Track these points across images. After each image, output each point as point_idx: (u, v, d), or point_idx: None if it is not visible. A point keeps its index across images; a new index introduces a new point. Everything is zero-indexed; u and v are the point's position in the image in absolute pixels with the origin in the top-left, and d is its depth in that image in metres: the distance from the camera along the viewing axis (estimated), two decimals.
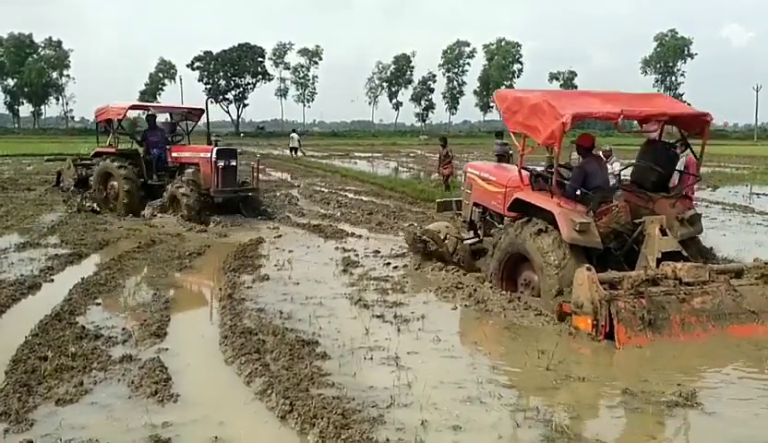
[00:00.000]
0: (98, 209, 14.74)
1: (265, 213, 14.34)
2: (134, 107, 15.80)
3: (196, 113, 15.58)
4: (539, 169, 8.22)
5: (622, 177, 9.03)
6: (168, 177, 14.13)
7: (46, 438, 4.11)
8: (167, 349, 5.83)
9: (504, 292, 7.56)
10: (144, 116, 15.34)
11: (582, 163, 7.84)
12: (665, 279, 6.53)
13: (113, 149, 14.80)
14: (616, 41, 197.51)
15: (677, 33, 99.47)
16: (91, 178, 14.98)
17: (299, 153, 38.58)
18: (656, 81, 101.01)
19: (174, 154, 14.48)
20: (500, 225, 8.35)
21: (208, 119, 15.00)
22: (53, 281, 8.33)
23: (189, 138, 15.54)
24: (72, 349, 5.65)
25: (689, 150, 8.70)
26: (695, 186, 11.23)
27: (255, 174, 14.60)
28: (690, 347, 6.06)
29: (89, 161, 15.57)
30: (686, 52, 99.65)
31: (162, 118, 16.01)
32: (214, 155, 13.59)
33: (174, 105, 16.70)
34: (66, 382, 4.99)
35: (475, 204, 9.23)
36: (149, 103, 16.04)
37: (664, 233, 6.98)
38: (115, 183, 14.29)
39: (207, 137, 14.93)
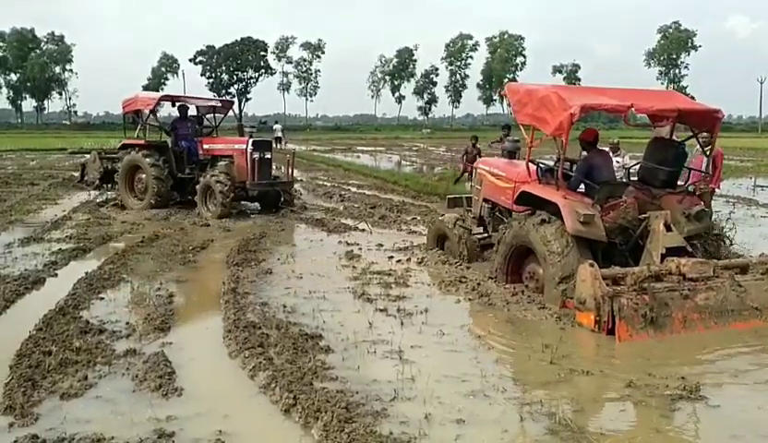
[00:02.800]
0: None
1: (299, 206, 14.29)
2: (164, 98, 15.43)
3: (225, 106, 15.37)
4: (548, 163, 8.21)
5: (631, 172, 9.00)
6: (198, 170, 13.91)
7: (51, 432, 4.12)
8: (171, 343, 5.84)
9: (509, 286, 7.57)
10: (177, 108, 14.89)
11: (587, 157, 7.83)
12: (668, 275, 6.51)
13: (141, 142, 14.47)
14: (619, 34, 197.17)
15: (680, 25, 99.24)
16: (118, 171, 14.70)
17: (283, 143, 39.76)
18: (660, 74, 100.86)
19: (205, 146, 14.18)
20: (509, 221, 8.37)
21: (240, 112, 14.99)
22: (56, 275, 8.35)
23: (218, 132, 15.35)
24: (76, 343, 5.67)
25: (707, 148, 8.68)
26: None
27: (289, 168, 14.55)
28: (695, 340, 6.06)
29: (114, 154, 15.30)
30: (690, 44, 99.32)
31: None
32: (250, 147, 13.43)
33: (205, 97, 16.35)
34: (71, 376, 5.00)
35: (485, 200, 9.25)
36: (179, 94, 15.63)
37: (668, 228, 6.96)
38: (144, 175, 14.04)
39: (239, 130, 14.82)
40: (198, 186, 13.39)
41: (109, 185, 15.32)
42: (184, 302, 7.33)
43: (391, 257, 9.65)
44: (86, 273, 8.10)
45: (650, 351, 5.76)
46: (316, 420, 4.24)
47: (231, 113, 15.81)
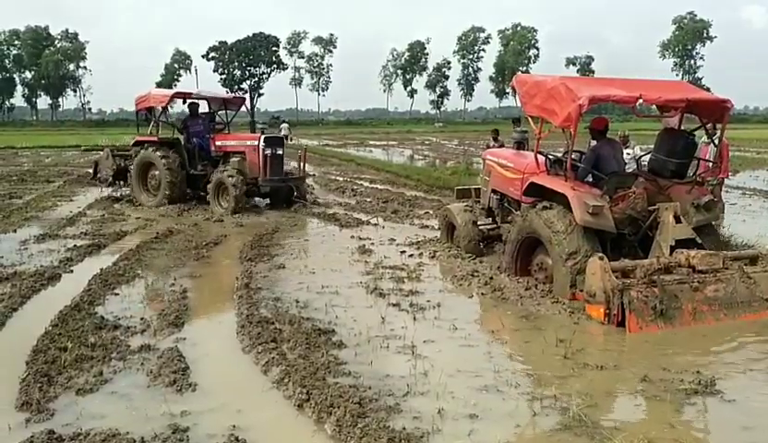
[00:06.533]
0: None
1: (312, 202, 14.32)
2: (177, 95, 15.44)
3: (236, 102, 15.37)
4: (557, 154, 8.20)
5: (641, 163, 8.95)
6: (211, 167, 13.96)
7: (67, 428, 4.15)
8: (185, 338, 5.88)
9: (522, 280, 7.54)
10: (188, 105, 14.90)
11: (595, 147, 7.80)
12: (678, 267, 6.50)
13: (154, 138, 14.52)
14: (634, 25, 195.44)
15: (695, 16, 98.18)
16: (130, 168, 14.75)
17: (289, 140, 40.58)
18: (675, 65, 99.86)
19: (218, 143, 14.22)
20: (518, 212, 8.37)
21: (252, 108, 14.89)
22: (72, 271, 8.41)
23: (229, 127, 15.38)
24: (91, 339, 5.72)
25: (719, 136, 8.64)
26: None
27: (302, 163, 14.61)
28: (711, 333, 6.01)
29: (126, 151, 15.46)
30: (705, 34, 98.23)
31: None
32: (262, 143, 13.50)
33: (216, 94, 16.31)
34: (86, 372, 5.05)
35: (494, 191, 9.25)
36: (191, 91, 15.64)
37: (678, 220, 6.95)
38: (157, 172, 14.09)
39: (251, 126, 14.85)
40: (210, 183, 13.44)
41: (122, 183, 15.42)
42: (197, 297, 7.36)
43: (404, 251, 9.64)
44: (101, 269, 8.16)
45: (665, 345, 5.72)
46: (329, 415, 4.25)
47: (243, 108, 15.79)
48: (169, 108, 15.87)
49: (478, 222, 9.36)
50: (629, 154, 10.53)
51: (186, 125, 14.67)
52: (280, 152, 13.87)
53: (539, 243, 7.41)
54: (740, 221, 12.03)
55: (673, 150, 7.68)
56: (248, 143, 13.79)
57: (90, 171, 17.22)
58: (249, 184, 13.46)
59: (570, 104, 6.87)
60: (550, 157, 7.85)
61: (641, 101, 6.97)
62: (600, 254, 6.43)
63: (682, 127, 8.05)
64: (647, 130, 28.73)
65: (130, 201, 14.60)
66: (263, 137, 13.86)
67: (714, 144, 8.05)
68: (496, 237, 9.19)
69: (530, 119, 8.11)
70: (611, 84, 7.43)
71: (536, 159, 7.83)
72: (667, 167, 7.68)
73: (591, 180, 7.52)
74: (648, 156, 8.42)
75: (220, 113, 15.36)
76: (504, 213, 9.04)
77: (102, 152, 16.25)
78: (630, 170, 8.53)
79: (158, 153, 13.98)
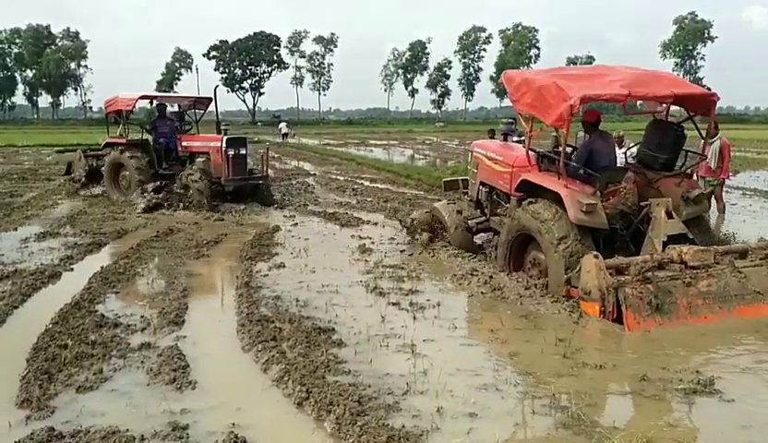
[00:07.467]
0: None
1: (275, 202, 14.43)
2: (143, 97, 15.72)
3: (204, 102, 15.62)
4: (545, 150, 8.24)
5: (631, 156, 8.98)
6: (179, 166, 14.25)
7: (67, 425, 4.16)
8: (185, 336, 5.89)
9: (521, 280, 7.54)
10: (156, 106, 15.26)
11: (588, 142, 7.80)
12: (670, 263, 6.56)
13: (123, 140, 14.90)
14: (635, 25, 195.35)
15: (696, 16, 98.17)
16: (103, 169, 15.11)
17: (290, 138, 41.80)
18: (676, 65, 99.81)
19: (184, 143, 14.61)
20: (507, 205, 8.38)
21: (217, 108, 14.95)
22: (72, 269, 8.43)
23: (198, 127, 15.61)
24: (92, 337, 5.73)
25: (720, 133, 8.68)
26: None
27: (265, 162, 14.70)
28: (710, 333, 6.01)
29: (99, 152, 15.73)
30: (706, 35, 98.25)
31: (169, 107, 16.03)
32: (224, 144, 13.73)
33: (182, 95, 16.69)
34: (86, 370, 5.06)
35: (482, 183, 9.27)
36: (157, 93, 15.97)
37: (670, 215, 6.98)
38: (127, 173, 14.45)
39: (216, 126, 14.92)
40: (176, 185, 13.74)
41: (94, 183, 15.68)
42: (197, 296, 7.36)
43: (403, 250, 9.64)
44: (101, 268, 8.18)
45: (664, 344, 5.72)
46: (328, 413, 4.26)
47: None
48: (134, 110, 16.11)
49: (466, 215, 9.38)
50: (622, 154, 10.57)
51: (155, 126, 15.01)
52: (243, 152, 14.10)
53: (530, 240, 7.43)
54: (740, 221, 12.03)
55: (663, 143, 7.69)
56: (212, 144, 14.06)
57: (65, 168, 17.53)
58: (214, 183, 13.70)
59: (561, 104, 6.85)
60: (539, 152, 7.86)
61: (630, 98, 6.98)
62: (595, 252, 6.47)
63: (676, 121, 8.05)
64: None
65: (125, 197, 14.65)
66: (225, 138, 14.02)
67: (701, 136, 8.09)
68: (486, 229, 9.23)
69: (520, 117, 8.10)
70: (602, 77, 7.37)
71: (528, 156, 7.82)
72: (657, 160, 7.70)
73: (582, 173, 7.51)
74: (635, 148, 8.45)
75: (189, 112, 15.62)
76: (493, 205, 9.07)
77: (74, 153, 16.61)
78: (621, 164, 8.57)
79: (127, 154, 14.34)
